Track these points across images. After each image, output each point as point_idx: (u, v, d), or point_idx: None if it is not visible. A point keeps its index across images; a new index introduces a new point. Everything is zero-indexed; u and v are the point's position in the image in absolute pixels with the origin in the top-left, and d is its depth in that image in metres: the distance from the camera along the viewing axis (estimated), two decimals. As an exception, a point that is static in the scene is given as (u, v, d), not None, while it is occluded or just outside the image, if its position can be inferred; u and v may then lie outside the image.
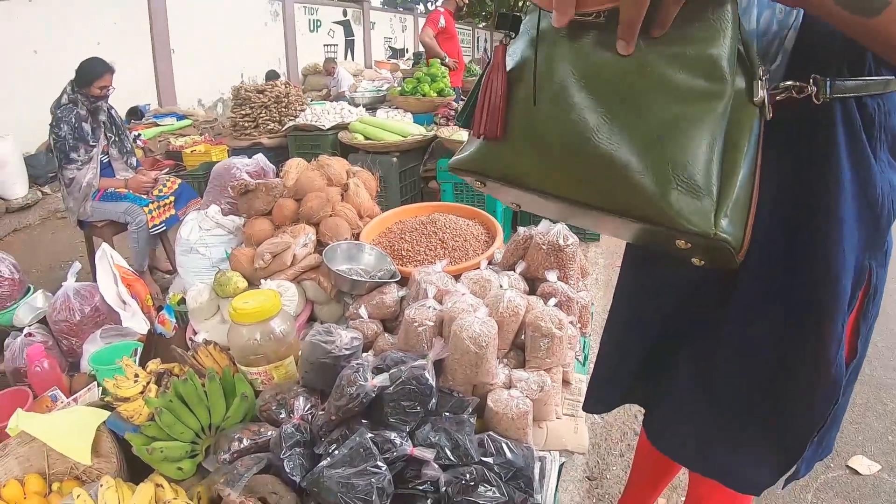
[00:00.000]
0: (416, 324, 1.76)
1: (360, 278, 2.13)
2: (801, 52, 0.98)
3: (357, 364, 1.54)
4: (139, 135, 7.52)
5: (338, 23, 16.53)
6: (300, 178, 2.66)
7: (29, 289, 4.04)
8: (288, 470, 1.46)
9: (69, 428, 2.14)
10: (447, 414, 1.54)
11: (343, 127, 5.36)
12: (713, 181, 0.80)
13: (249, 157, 3.52)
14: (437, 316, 1.78)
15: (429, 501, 1.38)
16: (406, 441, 1.41)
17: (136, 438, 1.73)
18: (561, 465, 1.67)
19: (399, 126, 4.80)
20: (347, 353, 1.68)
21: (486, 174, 1.00)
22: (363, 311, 2.06)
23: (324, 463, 1.39)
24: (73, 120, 4.00)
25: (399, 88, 6.13)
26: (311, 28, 15.26)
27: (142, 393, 1.98)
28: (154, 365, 2.10)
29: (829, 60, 0.94)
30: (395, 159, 4.57)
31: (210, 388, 1.74)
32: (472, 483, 1.34)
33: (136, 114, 8.80)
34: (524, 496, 1.40)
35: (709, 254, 0.86)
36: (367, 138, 4.81)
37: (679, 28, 0.80)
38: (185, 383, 1.74)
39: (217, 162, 6.46)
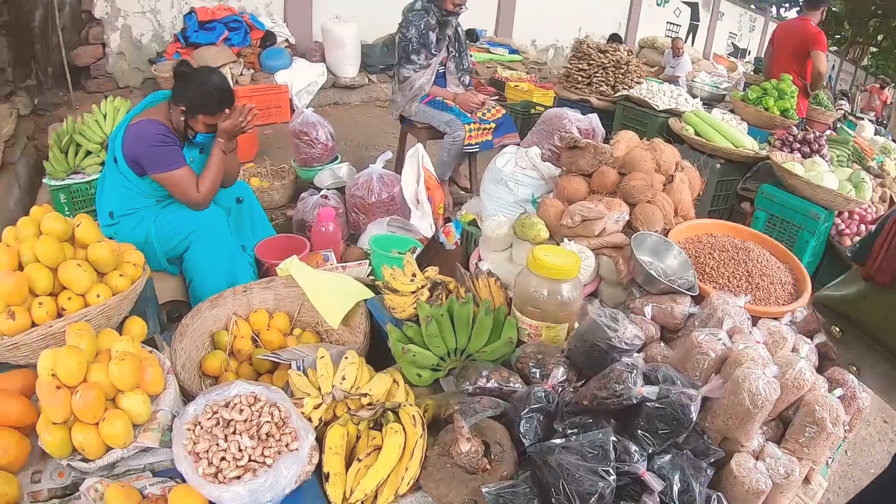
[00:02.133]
0: (700, 350, 1.68)
1: (658, 277, 2.06)
2: None
3: (631, 364, 1.51)
4: (471, 56, 7.81)
5: (687, 3, 15.71)
6: (631, 153, 2.61)
7: (336, 157, 4.47)
8: (522, 430, 1.49)
9: (331, 290, 2.39)
10: (688, 453, 1.46)
11: (675, 114, 5.13)
12: None
13: (582, 113, 3.52)
14: (724, 352, 1.68)
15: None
16: (643, 461, 1.37)
17: (394, 332, 1.87)
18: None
19: (733, 133, 4.50)
20: (626, 348, 1.65)
21: (859, 323, 0.90)
22: (648, 311, 2.00)
23: (558, 441, 1.39)
24: (422, 26, 4.22)
25: (742, 93, 5.72)
26: (660, 2, 14.69)
27: (413, 292, 2.11)
28: (432, 272, 2.23)
29: None
30: (718, 165, 4.32)
31: (480, 319, 1.81)
32: None
33: (471, 35, 9.19)
34: None
35: None
36: (696, 134, 4.59)
37: None
38: (462, 306, 1.82)
39: (538, 104, 6.63)
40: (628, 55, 6.15)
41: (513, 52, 9.51)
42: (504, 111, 4.54)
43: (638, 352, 1.74)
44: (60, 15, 6.08)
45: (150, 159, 2.55)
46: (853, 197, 3.30)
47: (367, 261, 2.91)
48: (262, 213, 3.25)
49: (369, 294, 2.35)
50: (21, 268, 1.86)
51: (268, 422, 1.45)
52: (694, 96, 5.95)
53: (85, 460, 1.51)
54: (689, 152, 4.39)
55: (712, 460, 1.49)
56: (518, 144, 3.56)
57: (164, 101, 2.72)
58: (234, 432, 1.42)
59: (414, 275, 2.21)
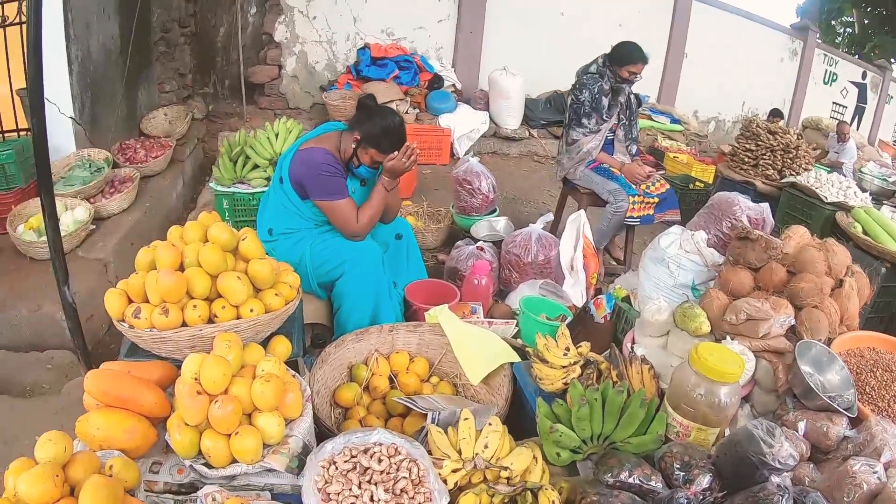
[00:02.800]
0: (854, 482, 1.54)
1: (818, 391, 1.90)
2: None
3: (784, 487, 1.40)
4: (638, 125, 7.73)
5: (854, 83, 14.57)
6: (802, 251, 2.44)
7: (495, 210, 4.49)
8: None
9: (478, 346, 2.38)
10: None
11: (844, 208, 4.83)
12: None
13: (745, 194, 3.38)
14: (878, 486, 1.53)
15: None
16: None
17: (543, 407, 1.82)
18: None
19: (902, 232, 4.18)
20: (779, 467, 1.52)
21: None
22: (801, 427, 1.84)
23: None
24: (596, 90, 4.21)
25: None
26: (826, 80, 13.75)
27: (564, 367, 2.05)
28: (585, 349, 2.16)
29: None
30: (884, 270, 4.02)
31: (631, 409, 1.73)
32: None
33: (636, 100, 9.03)
34: None
35: None
36: (864, 232, 4.30)
37: None
38: (618, 394, 1.75)
39: (697, 179, 6.46)
40: (798, 139, 5.85)
41: (674, 121, 9.36)
42: (668, 186, 4.43)
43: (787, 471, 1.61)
44: (242, 34, 6.65)
45: (315, 185, 2.65)
46: None
47: (515, 320, 2.88)
48: (419, 254, 3.33)
49: (516, 358, 2.32)
50: (182, 269, 1.95)
51: (405, 477, 1.42)
52: (864, 190, 5.55)
53: (209, 466, 1.55)
54: (853, 251, 4.11)
55: None
56: (679, 221, 3.43)
57: (335, 131, 2.84)
58: (369, 481, 1.41)
59: (567, 349, 2.16)
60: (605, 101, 4.25)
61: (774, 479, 1.47)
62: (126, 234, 3.90)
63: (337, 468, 1.43)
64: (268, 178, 3.98)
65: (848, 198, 5.00)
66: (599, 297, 2.77)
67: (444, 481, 1.53)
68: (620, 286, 2.93)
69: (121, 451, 1.55)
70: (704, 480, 1.53)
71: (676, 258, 2.62)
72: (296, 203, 2.74)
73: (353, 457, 1.45)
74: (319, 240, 2.78)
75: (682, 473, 1.61)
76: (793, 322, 2.24)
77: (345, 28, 7.25)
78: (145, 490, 1.55)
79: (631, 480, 1.57)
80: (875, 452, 1.68)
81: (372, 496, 1.36)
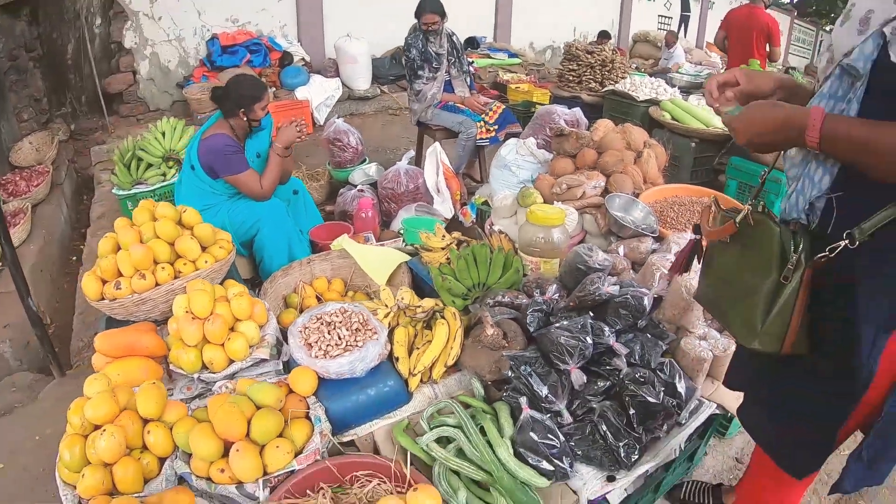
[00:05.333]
0: (654, 266, 2.32)
1: (627, 224, 2.71)
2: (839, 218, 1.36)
3: (601, 274, 2.15)
4: (472, 62, 8.39)
5: None
6: (606, 136, 3.27)
7: (365, 159, 5.13)
8: (528, 322, 2.11)
9: (376, 258, 3.02)
10: (648, 335, 2.08)
11: (655, 102, 5.78)
12: (758, 322, 1.40)
13: (569, 108, 4.17)
14: (668, 274, 2.32)
15: (607, 382, 1.96)
16: (612, 336, 1.99)
17: (435, 271, 2.50)
18: (714, 418, 2.15)
19: (705, 115, 5.11)
20: (599, 267, 2.29)
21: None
22: (621, 250, 2.63)
23: (553, 324, 2.02)
24: (420, 45, 4.94)
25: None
26: None
27: (443, 248, 2.75)
28: (457, 235, 2.87)
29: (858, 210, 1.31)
30: (693, 144, 4.93)
31: (495, 258, 2.46)
32: (642, 381, 1.89)
33: (472, 43, 9.77)
34: (672, 412, 1.92)
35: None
36: (673, 118, 5.21)
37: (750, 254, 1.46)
38: (481, 247, 2.47)
39: (537, 102, 7.29)
40: (613, 54, 6.82)
41: (512, 55, 10.10)
42: (503, 107, 5.20)
43: (612, 275, 2.37)
44: (92, 46, 6.63)
45: (223, 165, 3.19)
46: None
47: (401, 238, 3.54)
48: (314, 204, 3.92)
49: (406, 257, 2.97)
50: (142, 243, 2.47)
51: (356, 322, 2.09)
52: (673, 86, 6.59)
53: (212, 373, 2.11)
54: (667, 134, 5.04)
55: (668, 341, 2.09)
56: (520, 132, 4.20)
57: (221, 119, 3.36)
58: (333, 328, 2.06)
59: (444, 236, 2.85)
60: (432, 50, 4.94)
61: (599, 273, 2.24)
62: (35, 263, 4.16)
63: (309, 329, 2.07)
64: (163, 174, 4.46)
65: (659, 94, 5.96)
66: (465, 207, 3.50)
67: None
68: (480, 195, 3.66)
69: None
70: (552, 288, 2.27)
71: (515, 161, 3.39)
72: (209, 183, 3.26)
73: (318, 319, 2.11)
74: (234, 207, 3.33)
75: (538, 290, 2.35)
76: (603, 185, 3.05)
77: (191, 23, 7.38)
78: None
79: (505, 300, 2.30)
80: (669, 249, 2.48)
81: (338, 336, 2.02)
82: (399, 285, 2.86)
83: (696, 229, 1.79)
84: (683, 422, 1.98)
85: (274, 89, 7.26)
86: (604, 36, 10.90)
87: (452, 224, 3.59)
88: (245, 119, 3.31)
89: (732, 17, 7.06)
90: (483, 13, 10.47)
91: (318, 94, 7.51)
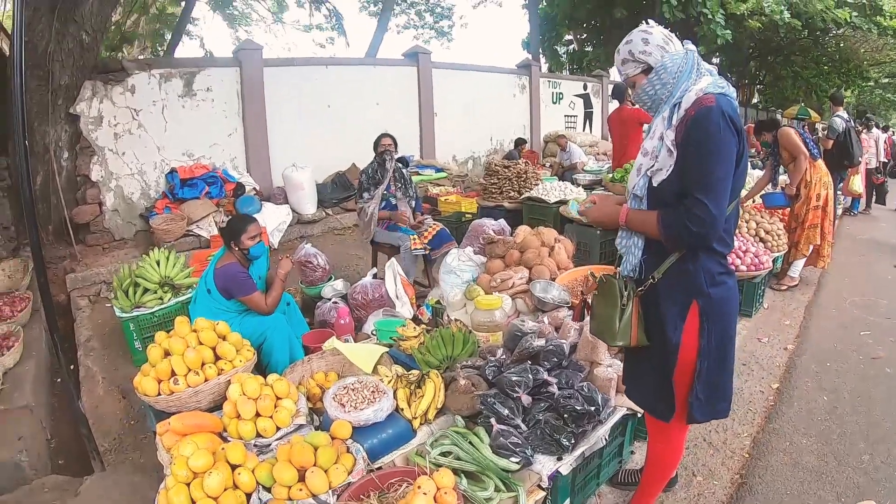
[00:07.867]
0: (569, 326, 3.35)
1: (547, 300, 3.74)
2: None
3: (533, 335, 3.15)
4: (414, 185, 8.92)
5: (578, 96, 17.28)
6: (525, 238, 4.34)
7: (331, 276, 5.84)
8: (487, 373, 3.05)
9: (361, 352, 3.80)
10: (571, 370, 3.05)
11: (565, 202, 6.89)
12: (616, 331, 2.37)
13: (494, 218, 5.23)
14: (581, 325, 3.33)
15: (548, 402, 2.88)
16: (545, 373, 2.96)
17: (414, 350, 3.41)
18: (629, 419, 3.13)
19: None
20: (530, 331, 3.27)
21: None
22: (546, 319, 3.63)
23: (505, 372, 2.97)
24: (370, 170, 5.86)
25: (611, 175, 7.52)
26: (555, 100, 16.22)
27: (416, 337, 3.68)
28: (424, 326, 3.81)
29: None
30: (598, 232, 5.98)
31: (456, 337, 3.42)
32: (570, 397, 2.83)
33: (403, 162, 10.10)
34: (594, 415, 2.85)
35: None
36: (579, 214, 6.28)
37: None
38: (445, 330, 3.43)
39: (466, 212, 8.29)
40: (526, 166, 7.93)
41: (438, 170, 11.14)
42: (440, 227, 6.00)
43: (540, 338, 3.36)
44: (59, 178, 6.93)
45: (237, 288, 4.02)
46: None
47: (375, 337, 4.28)
48: (300, 313, 4.74)
49: (385, 349, 3.75)
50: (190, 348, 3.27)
51: (371, 387, 2.99)
52: (577, 185, 7.73)
53: (264, 438, 2.89)
54: (576, 227, 6.10)
55: (584, 373, 3.06)
56: (456, 248, 5.19)
57: (226, 251, 4.20)
58: (357, 392, 2.95)
59: (415, 328, 3.76)
60: (379, 174, 5.85)
61: (531, 336, 3.22)
62: (34, 379, 4.44)
63: (339, 395, 2.95)
64: (160, 298, 5.01)
65: (566, 195, 7.05)
66: (421, 307, 4.44)
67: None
68: (431, 297, 4.63)
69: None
70: (500, 352, 3.25)
71: (459, 267, 4.41)
72: (224, 303, 4.08)
73: (344, 388, 2.98)
74: (245, 321, 4.13)
75: (490, 353, 3.30)
76: (528, 276, 4.08)
77: (151, 158, 7.83)
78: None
79: (469, 363, 3.23)
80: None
81: (362, 396, 2.91)
82: (387, 369, 3.74)
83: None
84: (604, 420, 2.91)
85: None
86: (520, 143, 12.06)
87: (413, 322, 4.50)
88: (237, 249, 4.13)
89: (610, 119, 8.07)
90: (410, 133, 11.36)
91: (272, 220, 8.00)
